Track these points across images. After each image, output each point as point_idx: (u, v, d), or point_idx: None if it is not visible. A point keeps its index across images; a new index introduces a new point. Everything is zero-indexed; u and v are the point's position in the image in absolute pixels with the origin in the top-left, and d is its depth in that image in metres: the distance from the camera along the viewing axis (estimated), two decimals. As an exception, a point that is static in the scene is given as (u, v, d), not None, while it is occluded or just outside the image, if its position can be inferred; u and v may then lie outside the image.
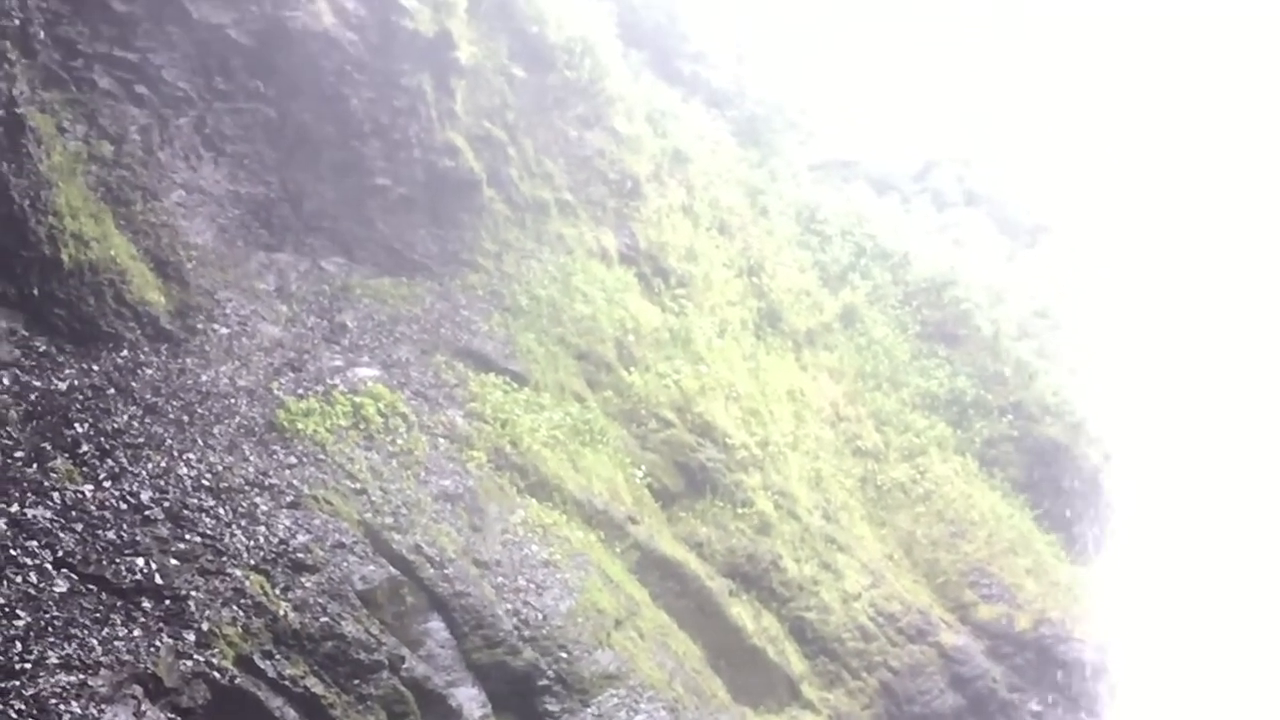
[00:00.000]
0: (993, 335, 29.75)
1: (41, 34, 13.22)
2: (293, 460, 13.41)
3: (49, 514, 9.70)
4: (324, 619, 11.29)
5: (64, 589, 9.00)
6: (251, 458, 12.89)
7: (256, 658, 10.25)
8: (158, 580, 9.86)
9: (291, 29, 17.38)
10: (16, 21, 12.43)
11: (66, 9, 13.98)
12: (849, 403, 26.44)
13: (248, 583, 10.71)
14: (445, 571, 13.60)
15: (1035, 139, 40.09)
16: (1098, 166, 40.98)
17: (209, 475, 11.98)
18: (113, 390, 12.36)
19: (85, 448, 10.99)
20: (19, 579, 8.75)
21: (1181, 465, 31.11)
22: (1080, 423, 29.36)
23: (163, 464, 11.58)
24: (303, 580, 11.50)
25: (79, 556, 9.45)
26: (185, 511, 11.09)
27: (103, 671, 8.54)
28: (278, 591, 11.08)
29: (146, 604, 9.57)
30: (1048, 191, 38.15)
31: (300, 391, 14.85)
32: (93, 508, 10.21)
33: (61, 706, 8.04)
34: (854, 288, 29.22)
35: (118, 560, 9.72)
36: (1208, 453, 31.80)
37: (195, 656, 9.48)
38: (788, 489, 22.10)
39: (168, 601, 9.77)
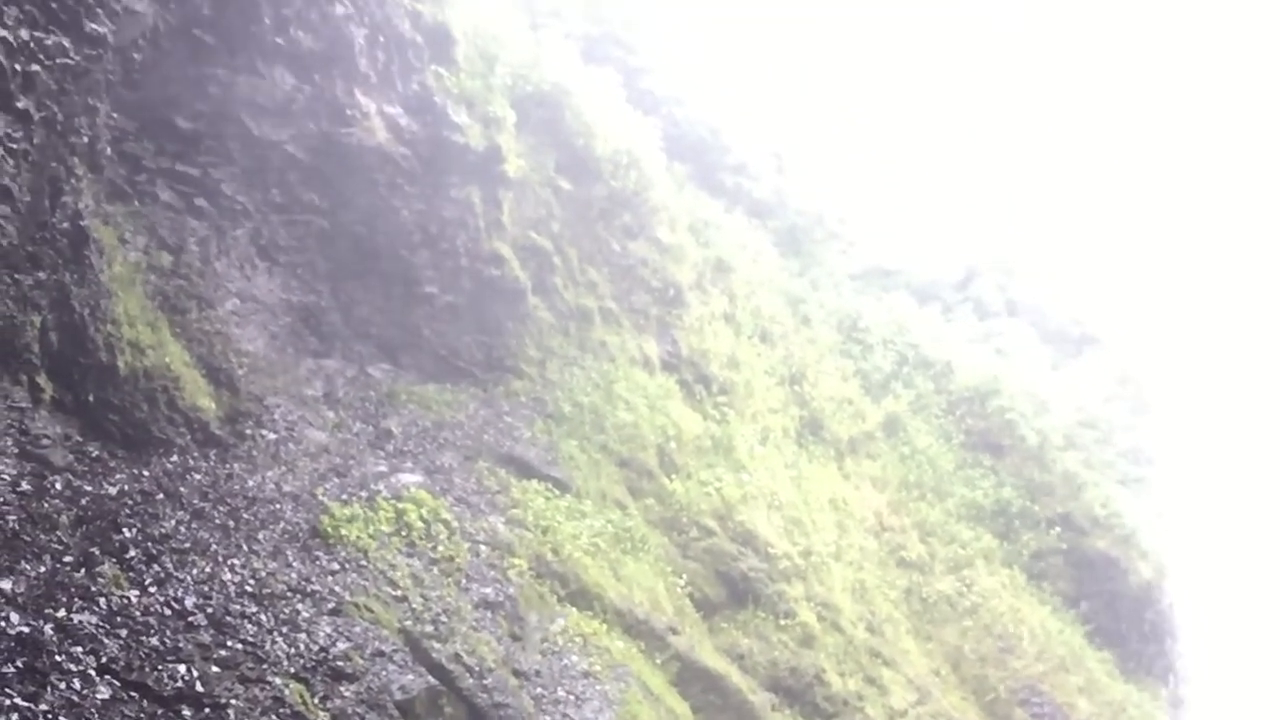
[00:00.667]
0: (1039, 445, 29.45)
1: (108, 150, 13.76)
2: (335, 566, 13.42)
3: (95, 619, 9.75)
4: (362, 730, 11.16)
5: (106, 696, 9.00)
6: (294, 564, 12.92)
7: (293, 769, 10.13)
8: (199, 688, 9.82)
9: (347, 144, 17.98)
10: (85, 139, 12.96)
11: (133, 126, 14.59)
12: (893, 513, 26.15)
13: (287, 691, 10.64)
14: (484, 681, 13.43)
15: (1078, 248, 40.23)
16: (1141, 275, 40.96)
17: (252, 581, 12.01)
18: (161, 495, 12.51)
19: (133, 553, 11.08)
20: (63, 685, 8.76)
21: (1236, 577, 30.34)
22: (1131, 535, 28.80)
23: (207, 569, 11.64)
24: (342, 689, 11.40)
25: (122, 663, 9.46)
26: (228, 618, 11.09)
27: (141, 781, 8.50)
28: (317, 700, 10.98)
29: (187, 712, 9.52)
30: (1091, 301, 38.11)
31: (344, 497, 14.94)
32: (137, 613, 10.24)
33: (98, 817, 7.98)
34: (897, 396, 29.16)
35: (160, 667, 9.72)
36: (1263, 564, 31.01)
37: (233, 767, 9.41)
38: (831, 600, 21.75)
39: (208, 709, 9.71)
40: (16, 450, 11.11)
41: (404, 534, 14.90)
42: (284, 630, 11.56)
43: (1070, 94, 50.59)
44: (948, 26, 50.71)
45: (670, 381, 23.50)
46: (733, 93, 36.39)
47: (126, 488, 12.18)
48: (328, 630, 12.04)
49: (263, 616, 11.52)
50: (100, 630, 9.66)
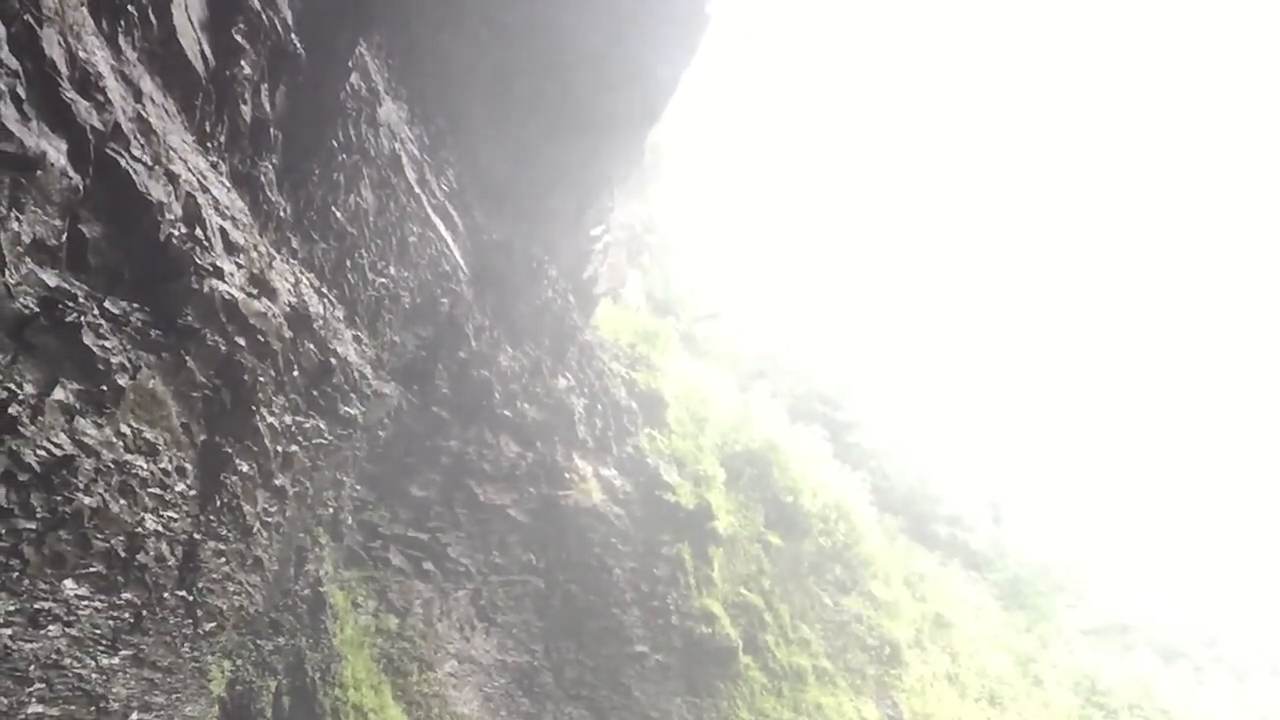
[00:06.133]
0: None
1: (349, 520, 14.82)
2: None
3: None
4: None
5: None
6: None
7: None
8: None
9: (564, 506, 18.74)
10: (330, 510, 14.05)
11: (372, 497, 15.73)
12: None
13: None
14: None
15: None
16: None
17: None
18: None
19: None
20: None
21: None
22: None
23: None
24: None
25: None
26: None
27: None
28: None
29: None
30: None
31: None
32: None
33: None
34: (1150, 770, 26.20)
35: None
36: None
37: None
38: None
39: None
40: (240, 818, 11.30)
41: None
42: None
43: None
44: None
45: (893, 750, 22.01)
46: (942, 442, 36.25)
47: None
48: None
49: None
50: None
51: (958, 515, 32.96)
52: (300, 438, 12.10)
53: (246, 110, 9.83)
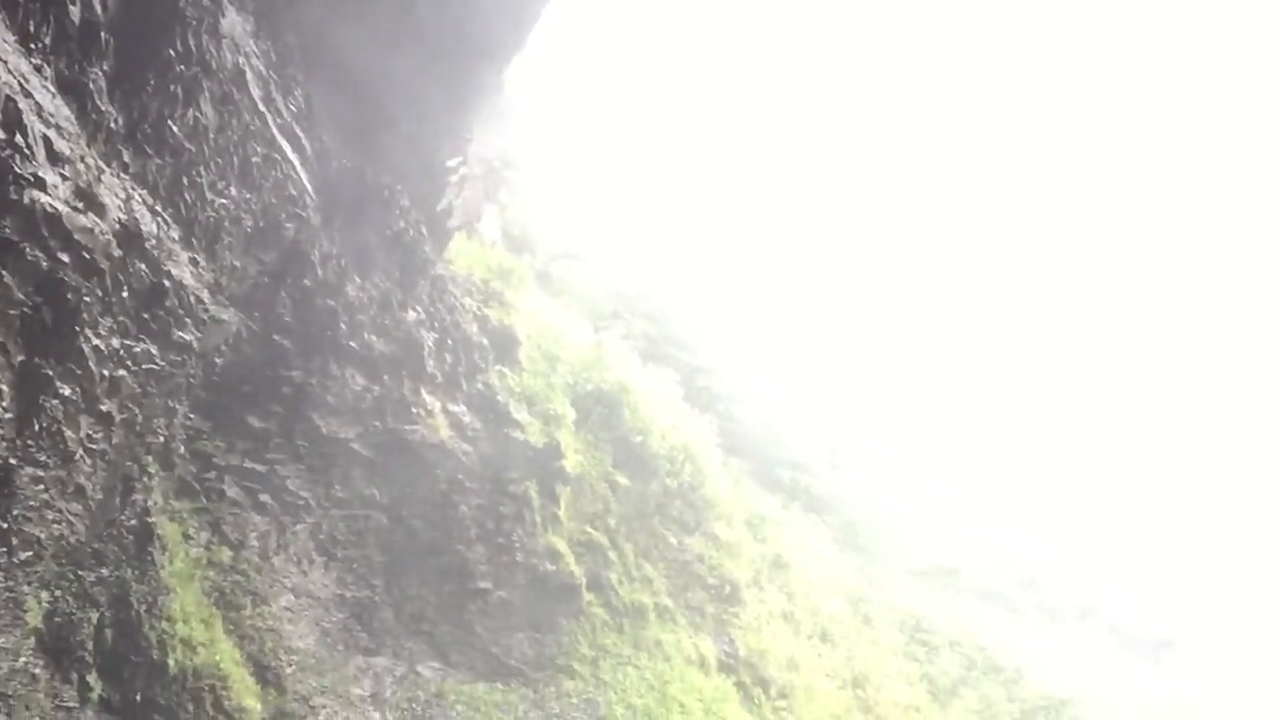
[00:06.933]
0: (1123, 761, 27.59)
1: (181, 449, 14.29)
2: None
3: None
4: None
5: None
6: None
7: None
8: None
9: (410, 441, 18.49)
10: (161, 438, 13.52)
11: (207, 426, 15.17)
12: (967, 833, 24.28)
13: None
14: None
15: (1152, 550, 39.20)
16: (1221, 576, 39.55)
17: None
18: (197, 803, 12.09)
19: None
20: None
21: None
22: None
23: None
24: None
25: None
26: None
27: None
28: None
29: None
30: (1170, 603, 36.71)
31: (385, 808, 14.29)
32: None
33: None
34: (966, 703, 27.67)
35: None
36: None
37: None
38: None
39: None
40: (57, 753, 10.91)
41: None
42: None
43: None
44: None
45: (727, 684, 22.63)
46: (789, 390, 37.15)
47: (162, 795, 11.80)
48: None
49: None
50: None
51: (801, 461, 33.96)
52: (129, 362, 11.57)
53: (75, 11, 9.22)
